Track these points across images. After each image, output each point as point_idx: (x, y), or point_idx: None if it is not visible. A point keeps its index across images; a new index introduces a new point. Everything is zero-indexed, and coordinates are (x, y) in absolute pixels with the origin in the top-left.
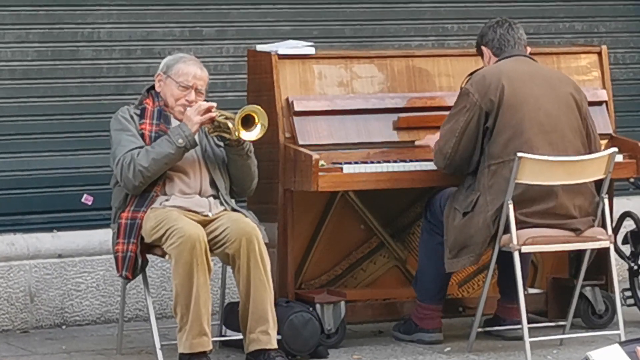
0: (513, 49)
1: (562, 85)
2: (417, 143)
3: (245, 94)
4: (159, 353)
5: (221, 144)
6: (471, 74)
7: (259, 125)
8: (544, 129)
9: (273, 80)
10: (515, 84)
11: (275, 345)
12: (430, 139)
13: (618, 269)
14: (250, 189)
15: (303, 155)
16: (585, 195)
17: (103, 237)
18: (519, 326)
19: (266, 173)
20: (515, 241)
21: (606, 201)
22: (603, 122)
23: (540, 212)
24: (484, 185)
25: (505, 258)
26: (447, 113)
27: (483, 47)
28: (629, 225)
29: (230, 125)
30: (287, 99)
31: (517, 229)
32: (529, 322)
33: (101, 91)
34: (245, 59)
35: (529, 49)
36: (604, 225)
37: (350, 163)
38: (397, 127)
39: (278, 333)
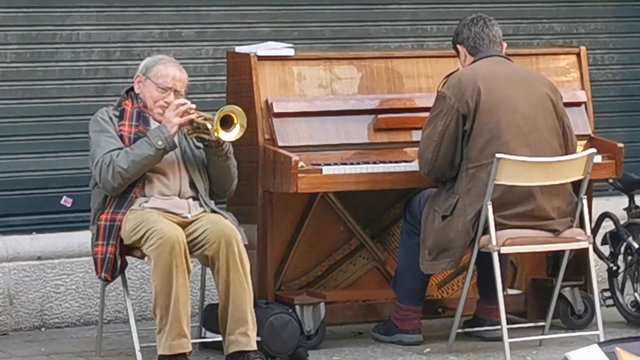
0: (489, 49)
1: (539, 86)
2: None
3: (224, 95)
4: (139, 355)
5: (200, 145)
6: (447, 76)
7: (237, 126)
8: (521, 131)
9: (252, 82)
10: (492, 86)
11: (254, 347)
12: None
13: (597, 269)
14: (230, 191)
15: (282, 157)
16: (563, 196)
17: (82, 239)
18: (498, 327)
19: (246, 174)
20: (494, 242)
21: (585, 202)
22: (582, 123)
23: (519, 214)
24: (462, 189)
25: (484, 259)
26: (426, 115)
27: (458, 46)
28: (608, 226)
29: (209, 126)
30: (266, 101)
31: (496, 230)
32: (508, 323)
33: (80, 93)
34: (225, 60)
35: (504, 46)
36: (582, 226)
37: (329, 164)
38: (377, 128)
39: (257, 334)
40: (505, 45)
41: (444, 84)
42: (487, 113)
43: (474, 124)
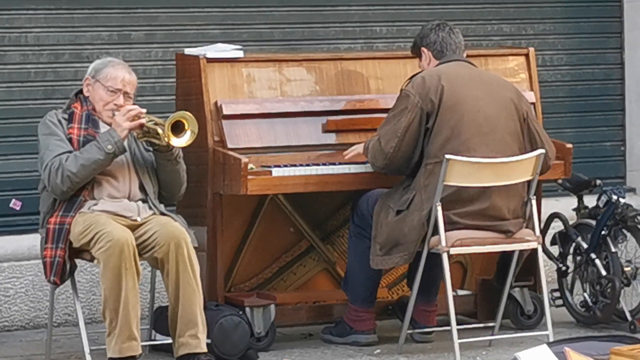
0: (454, 54)
1: (502, 90)
2: (346, 157)
3: (174, 97)
4: (88, 358)
5: (150, 148)
6: (411, 77)
7: (188, 132)
8: (482, 130)
9: (202, 84)
10: (455, 85)
11: (204, 349)
12: (358, 147)
13: (546, 270)
14: (179, 194)
15: (232, 159)
16: (517, 197)
17: (32, 242)
18: (430, 329)
19: (195, 177)
20: (443, 243)
21: (534, 202)
22: None
23: (473, 212)
24: (420, 184)
25: (423, 259)
26: (376, 116)
27: (423, 49)
28: (557, 226)
29: (159, 131)
30: (215, 103)
31: (449, 229)
32: (458, 324)
33: (29, 96)
34: (174, 62)
35: (466, 53)
36: (532, 227)
37: (279, 166)
38: (326, 130)
39: (208, 337)
40: (466, 52)
41: (407, 83)
42: (449, 110)
43: (436, 121)
